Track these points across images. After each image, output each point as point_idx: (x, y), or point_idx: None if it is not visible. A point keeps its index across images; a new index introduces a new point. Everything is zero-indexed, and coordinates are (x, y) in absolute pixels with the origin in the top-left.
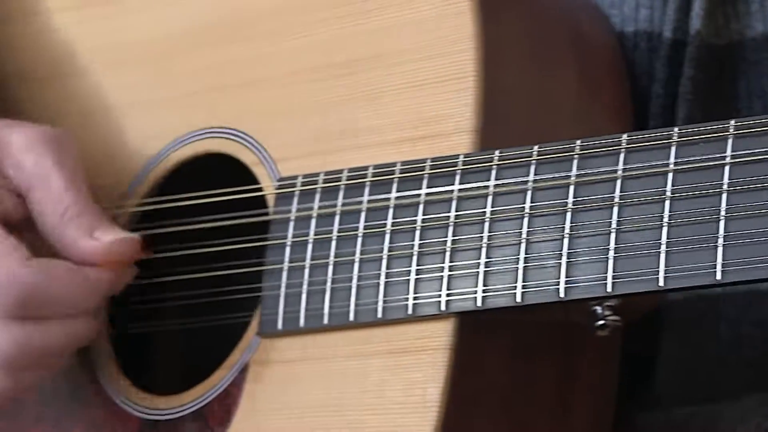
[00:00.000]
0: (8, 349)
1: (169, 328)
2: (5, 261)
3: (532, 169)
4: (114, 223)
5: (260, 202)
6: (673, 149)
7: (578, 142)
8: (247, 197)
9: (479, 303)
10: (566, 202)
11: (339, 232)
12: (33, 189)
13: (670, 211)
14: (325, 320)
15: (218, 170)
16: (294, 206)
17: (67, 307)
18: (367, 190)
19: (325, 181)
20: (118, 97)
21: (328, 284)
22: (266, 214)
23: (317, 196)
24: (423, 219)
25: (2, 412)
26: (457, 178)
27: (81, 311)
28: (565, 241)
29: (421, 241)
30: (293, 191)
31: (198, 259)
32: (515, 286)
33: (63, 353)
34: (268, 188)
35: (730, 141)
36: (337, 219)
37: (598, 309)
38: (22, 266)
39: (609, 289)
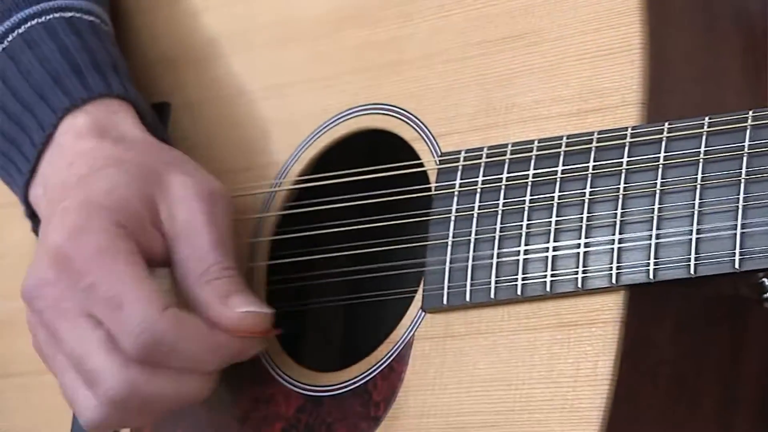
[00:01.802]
0: (121, 390)
1: (324, 305)
2: (144, 305)
3: (703, 140)
4: (251, 292)
5: (412, 178)
6: None
7: (750, 112)
8: (401, 173)
9: (651, 275)
10: (740, 173)
11: (504, 205)
12: (179, 241)
13: None
14: (492, 294)
15: (370, 148)
16: (457, 180)
17: (188, 364)
18: (532, 163)
19: (489, 156)
20: (270, 77)
21: (494, 258)
22: (428, 189)
23: (481, 170)
24: (591, 192)
25: None
26: (626, 150)
27: (200, 371)
28: (739, 212)
29: (590, 214)
30: (456, 166)
31: (350, 237)
32: (689, 258)
33: (170, 406)
34: (430, 163)
35: None
36: (502, 192)
37: (767, 281)
38: (159, 314)
39: None
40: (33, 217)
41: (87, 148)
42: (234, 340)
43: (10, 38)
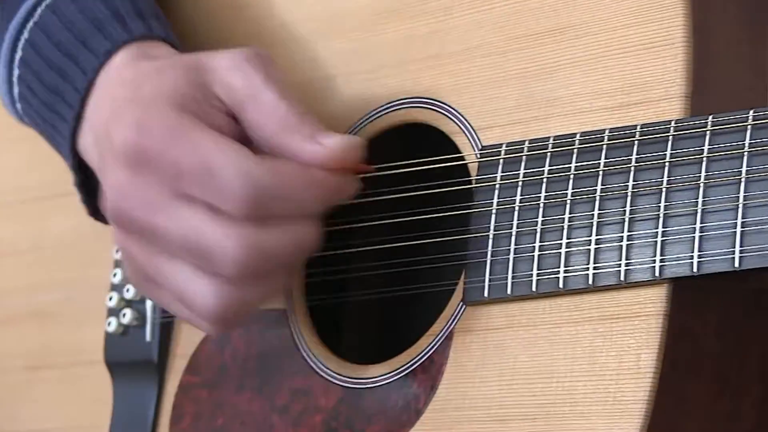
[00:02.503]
0: (239, 254)
1: (361, 298)
2: (237, 159)
3: (748, 133)
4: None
5: (449, 172)
6: None
7: None
8: (442, 167)
9: (695, 268)
10: None
11: (546, 198)
12: (246, 106)
13: None
14: (533, 287)
15: (409, 141)
16: (499, 174)
17: (295, 209)
18: (574, 157)
19: (530, 149)
20: (311, 70)
21: (536, 251)
22: (469, 182)
23: (522, 164)
24: (633, 185)
25: (205, 381)
26: (669, 143)
27: (307, 214)
28: None
29: (633, 207)
30: (497, 159)
31: (388, 230)
32: (733, 251)
33: (289, 262)
34: (471, 157)
35: None
36: (544, 185)
37: None
38: (252, 164)
39: None
40: (79, 170)
41: (129, 76)
42: (331, 176)
43: None
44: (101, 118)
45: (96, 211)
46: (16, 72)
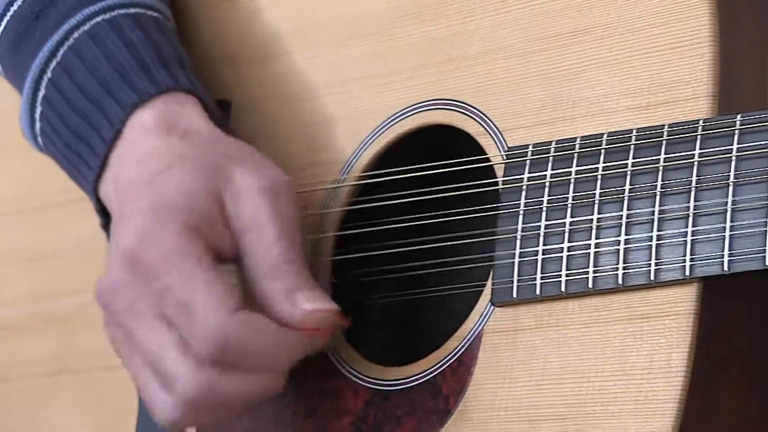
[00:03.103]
0: (195, 391)
1: (387, 300)
2: (214, 310)
3: None
4: (316, 286)
5: (474, 174)
6: None
7: None
8: (467, 168)
9: (726, 267)
10: None
11: (574, 199)
12: (246, 235)
13: None
14: (563, 288)
15: (431, 144)
16: (525, 174)
17: (260, 363)
18: (602, 157)
19: (557, 150)
20: (332, 74)
21: (565, 252)
22: (495, 183)
23: (549, 165)
24: (662, 184)
25: None
26: (698, 143)
27: (271, 368)
28: None
29: (662, 207)
30: (524, 160)
31: (413, 232)
32: (764, 249)
33: (243, 404)
34: (496, 158)
35: None
36: (571, 186)
37: None
38: (231, 318)
39: None
40: (103, 212)
41: (155, 146)
42: (303, 336)
43: (75, 35)
44: (124, 177)
45: None
46: (38, 109)
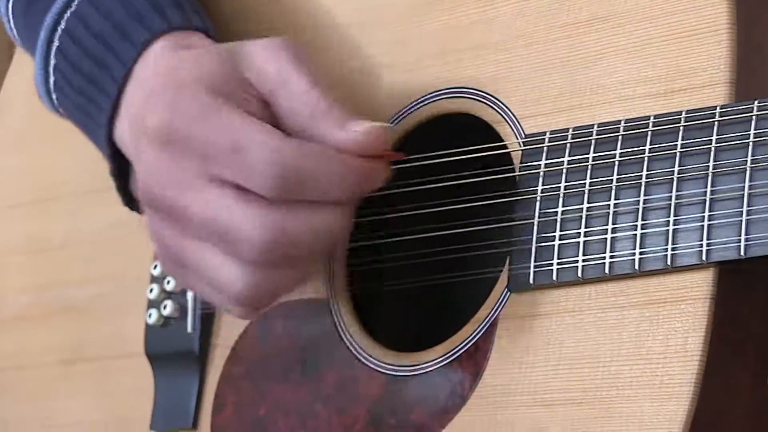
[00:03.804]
0: (266, 236)
1: (403, 286)
2: (268, 138)
3: None
4: (365, 119)
5: (492, 160)
6: None
7: None
8: (483, 155)
9: (743, 252)
10: None
11: (591, 185)
12: (277, 92)
13: None
14: (579, 273)
15: (451, 131)
16: (543, 161)
17: (325, 193)
18: (619, 144)
19: (575, 137)
20: (351, 62)
21: (581, 238)
22: (512, 170)
23: (567, 151)
24: (679, 170)
25: (247, 371)
26: (715, 129)
27: (335, 199)
28: None
29: (678, 193)
30: (541, 147)
31: (429, 219)
32: None
33: (314, 249)
34: (513, 145)
35: None
36: (588, 172)
37: None
38: (283, 143)
39: None
40: (114, 158)
41: (165, 65)
42: (363, 162)
43: None
44: (136, 104)
45: (131, 201)
46: (52, 62)
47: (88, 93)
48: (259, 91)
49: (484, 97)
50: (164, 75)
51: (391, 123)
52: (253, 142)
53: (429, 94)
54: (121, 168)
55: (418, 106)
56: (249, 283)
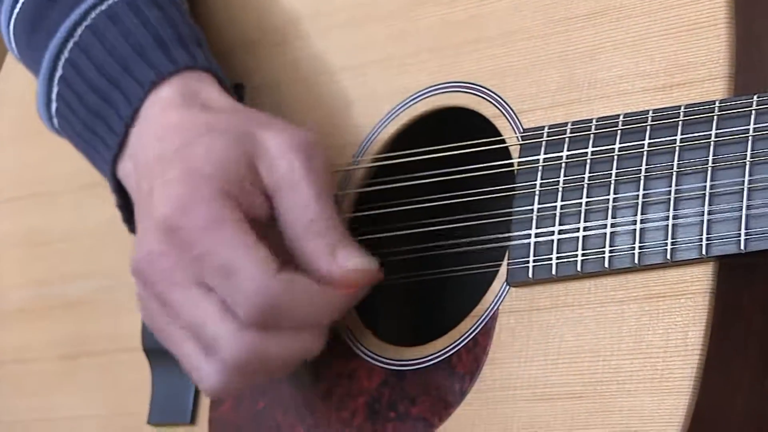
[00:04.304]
0: (240, 354)
1: (402, 280)
2: (257, 270)
3: None
4: (355, 245)
5: (488, 156)
6: None
7: None
8: (479, 151)
9: (742, 246)
10: None
11: (590, 179)
12: (282, 193)
13: None
14: (578, 267)
15: (449, 126)
16: (541, 155)
17: (302, 323)
18: (618, 138)
19: (573, 131)
20: (348, 57)
21: (581, 232)
22: (511, 165)
23: (565, 145)
24: (678, 165)
25: None
26: (714, 123)
27: (313, 327)
28: None
29: (678, 187)
30: (540, 141)
31: (428, 213)
32: None
33: (289, 365)
34: (512, 140)
35: None
36: (587, 166)
37: None
38: (272, 278)
39: None
40: (119, 192)
41: (176, 120)
42: (344, 296)
43: (93, 15)
44: (146, 160)
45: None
46: (55, 89)
47: (93, 127)
48: (266, 183)
49: (482, 92)
50: (177, 138)
51: (389, 118)
52: (245, 270)
53: (427, 88)
54: (126, 199)
55: (416, 100)
56: (221, 383)
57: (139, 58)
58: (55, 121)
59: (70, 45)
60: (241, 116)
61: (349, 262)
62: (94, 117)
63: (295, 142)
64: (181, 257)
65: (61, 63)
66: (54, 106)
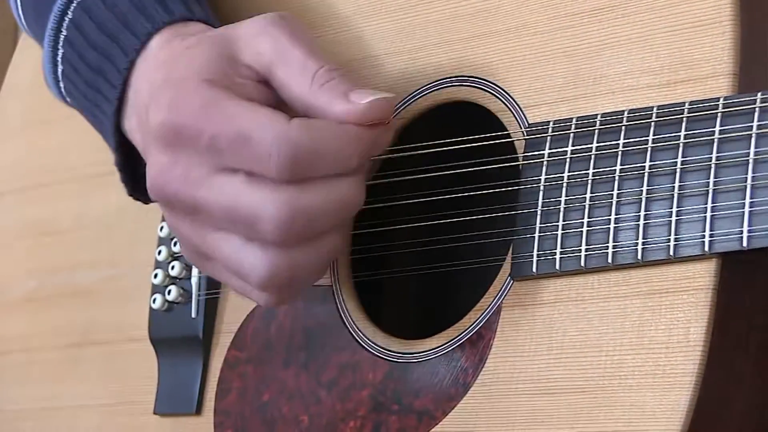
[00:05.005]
0: (282, 215)
1: (406, 274)
2: (272, 124)
3: None
4: (365, 87)
5: (493, 150)
6: None
7: None
8: (483, 145)
9: (745, 243)
10: None
11: (594, 174)
12: (275, 68)
13: None
14: (582, 262)
15: (454, 120)
16: (546, 150)
17: (334, 166)
18: (622, 134)
19: (578, 126)
20: (356, 50)
21: (584, 227)
22: (516, 159)
23: (570, 140)
24: (682, 161)
25: (251, 357)
26: (718, 120)
27: (346, 170)
28: None
29: (681, 183)
30: (545, 136)
31: (432, 207)
32: None
33: (335, 221)
34: (517, 135)
35: None
36: (592, 162)
37: None
38: (287, 126)
39: None
40: (120, 150)
41: (163, 57)
42: (366, 131)
43: None
44: (141, 101)
45: (135, 190)
46: (60, 51)
47: (95, 83)
48: (258, 71)
49: (487, 86)
50: (163, 69)
51: (395, 111)
52: (257, 128)
53: (433, 82)
54: (127, 159)
55: (421, 94)
56: (271, 265)
57: (138, 13)
58: (62, 85)
59: (73, 5)
60: (215, 30)
61: (364, 99)
62: (96, 74)
63: (269, 21)
64: (192, 154)
65: (65, 24)
66: (60, 69)
